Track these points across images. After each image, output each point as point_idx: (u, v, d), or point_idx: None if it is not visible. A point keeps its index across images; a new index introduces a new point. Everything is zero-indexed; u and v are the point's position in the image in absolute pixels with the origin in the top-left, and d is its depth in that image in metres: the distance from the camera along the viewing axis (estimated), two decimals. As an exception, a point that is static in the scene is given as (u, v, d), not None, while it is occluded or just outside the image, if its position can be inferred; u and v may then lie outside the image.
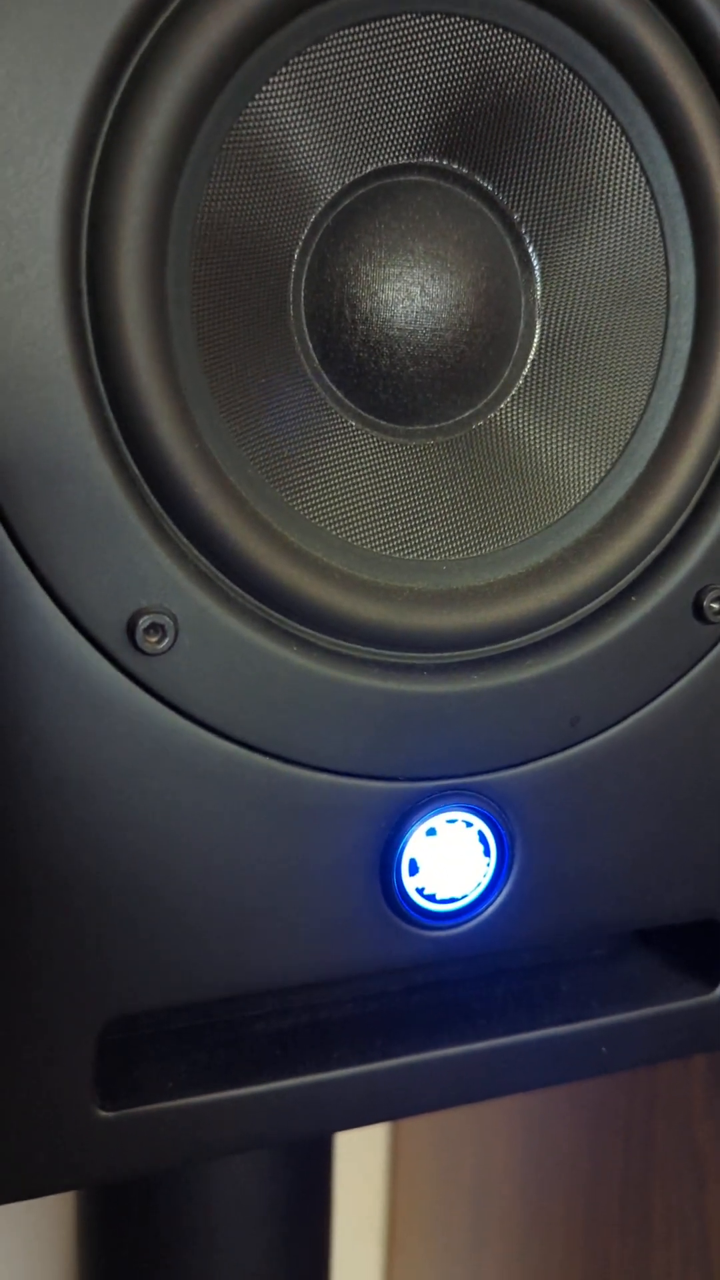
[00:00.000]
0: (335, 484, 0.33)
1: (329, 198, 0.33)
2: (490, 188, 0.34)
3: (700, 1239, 0.62)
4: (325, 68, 0.31)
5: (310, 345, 0.33)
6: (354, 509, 0.34)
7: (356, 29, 0.31)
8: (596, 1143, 0.68)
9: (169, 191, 0.29)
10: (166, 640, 0.30)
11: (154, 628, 0.30)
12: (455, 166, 0.34)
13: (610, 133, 0.34)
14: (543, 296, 0.35)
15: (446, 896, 0.35)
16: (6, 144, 0.27)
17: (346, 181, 0.33)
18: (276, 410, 0.33)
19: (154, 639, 0.30)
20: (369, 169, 0.33)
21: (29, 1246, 0.68)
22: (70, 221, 0.28)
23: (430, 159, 0.34)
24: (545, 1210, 0.72)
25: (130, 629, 0.30)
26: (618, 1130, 0.66)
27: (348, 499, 0.34)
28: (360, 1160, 0.80)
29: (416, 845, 0.35)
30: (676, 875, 0.38)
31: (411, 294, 0.33)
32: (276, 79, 0.30)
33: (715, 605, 0.36)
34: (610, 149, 0.34)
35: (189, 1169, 0.44)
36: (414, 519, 0.34)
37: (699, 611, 0.36)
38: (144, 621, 0.30)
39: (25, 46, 0.27)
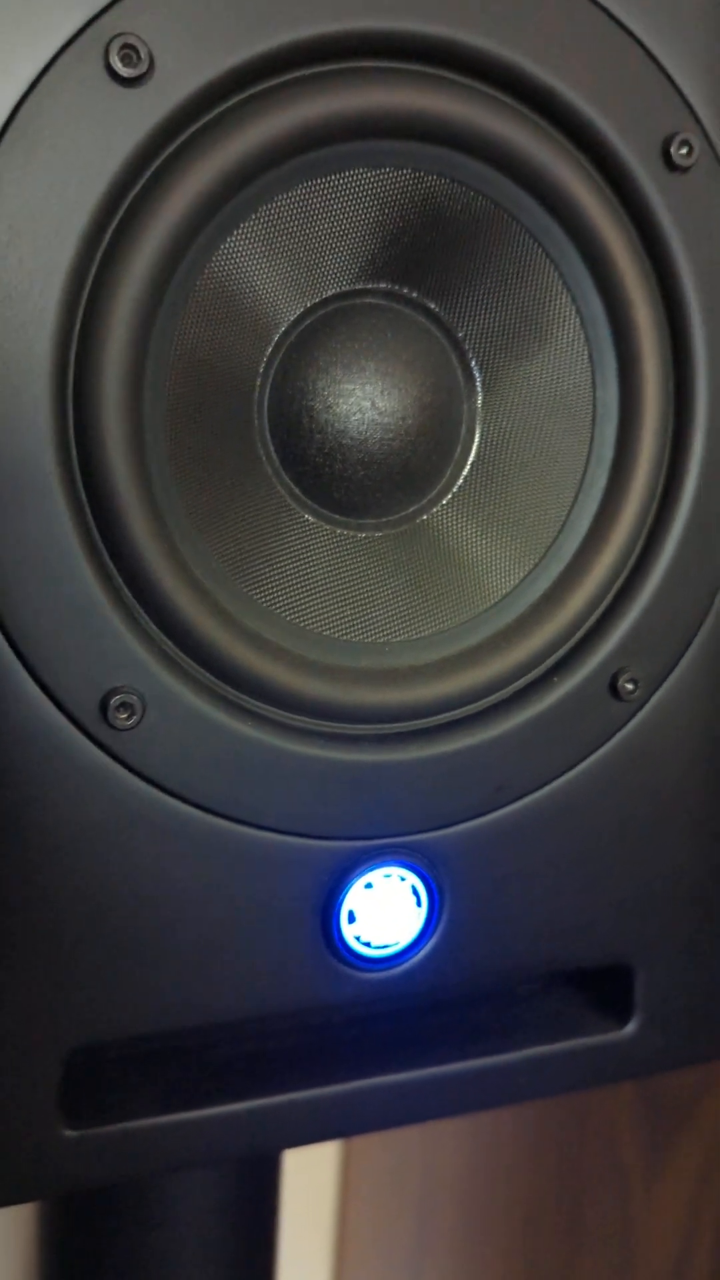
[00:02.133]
0: (291, 574, 0.37)
1: (291, 319, 0.37)
2: (437, 309, 0.38)
3: (627, 1249, 0.66)
4: (290, 212, 0.35)
5: (272, 449, 0.37)
6: (307, 596, 0.38)
7: (318, 179, 0.35)
8: (534, 1159, 0.72)
9: (147, 326, 0.33)
10: (135, 717, 0.34)
11: (124, 706, 0.34)
12: (406, 291, 0.38)
13: (545, 268, 0.38)
14: (483, 406, 0.39)
15: (382, 943, 0.39)
16: (7, 289, 0.31)
17: (307, 304, 0.37)
18: (240, 508, 0.37)
19: (124, 716, 0.34)
20: (328, 293, 0.37)
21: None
22: (59, 354, 0.32)
23: (383, 284, 0.38)
24: (486, 1221, 0.76)
25: (103, 706, 0.34)
26: (553, 1148, 0.70)
27: (301, 587, 0.38)
28: (310, 1171, 0.84)
29: (355, 897, 0.38)
30: (592, 925, 0.42)
31: (363, 408, 0.37)
32: (245, 225, 0.34)
33: (629, 686, 0.40)
34: (545, 281, 0.38)
35: (139, 1182, 0.48)
36: (361, 604, 0.38)
37: (614, 691, 0.40)
38: (115, 700, 0.34)
39: (25, 206, 0.31)
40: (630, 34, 0.37)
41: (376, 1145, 0.84)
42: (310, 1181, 0.84)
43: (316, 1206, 0.85)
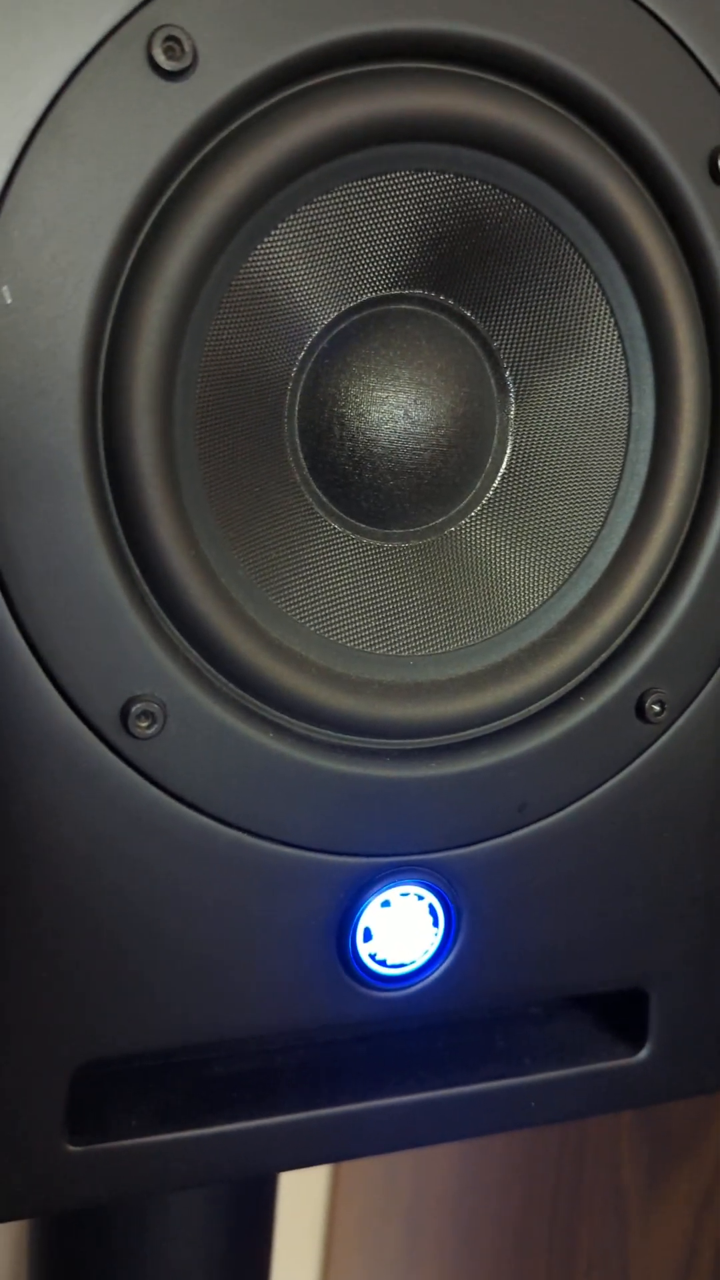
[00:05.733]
0: (316, 584, 0.37)
1: (324, 324, 0.36)
2: (473, 318, 0.38)
3: (621, 1274, 0.65)
4: (329, 215, 0.34)
5: (301, 456, 0.36)
6: (332, 606, 0.37)
7: (359, 182, 0.34)
8: (529, 1179, 0.71)
9: (180, 327, 0.32)
10: (156, 726, 0.33)
11: (145, 714, 0.33)
12: (442, 298, 0.37)
13: (584, 278, 0.37)
14: (516, 418, 0.39)
15: (397, 962, 0.38)
16: (39, 285, 0.30)
17: (342, 309, 0.36)
18: (268, 516, 0.36)
19: (144, 724, 0.33)
20: (363, 298, 0.36)
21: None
22: (90, 353, 0.31)
23: (419, 290, 0.37)
24: (477, 1239, 0.75)
25: (124, 714, 0.33)
26: (549, 1168, 0.69)
27: (327, 597, 0.37)
28: (301, 1183, 0.83)
29: (371, 915, 0.38)
30: (608, 948, 0.41)
31: (395, 416, 0.36)
32: (283, 225, 0.34)
33: (656, 707, 0.39)
34: (584, 292, 0.37)
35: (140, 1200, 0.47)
36: (386, 617, 0.38)
37: (641, 712, 0.39)
38: (136, 708, 0.33)
39: (60, 200, 0.30)
40: (681, 43, 0.36)
41: (367, 1161, 0.83)
42: (300, 1192, 0.83)
43: (306, 1218, 0.84)
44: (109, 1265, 0.49)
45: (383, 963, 0.38)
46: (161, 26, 0.31)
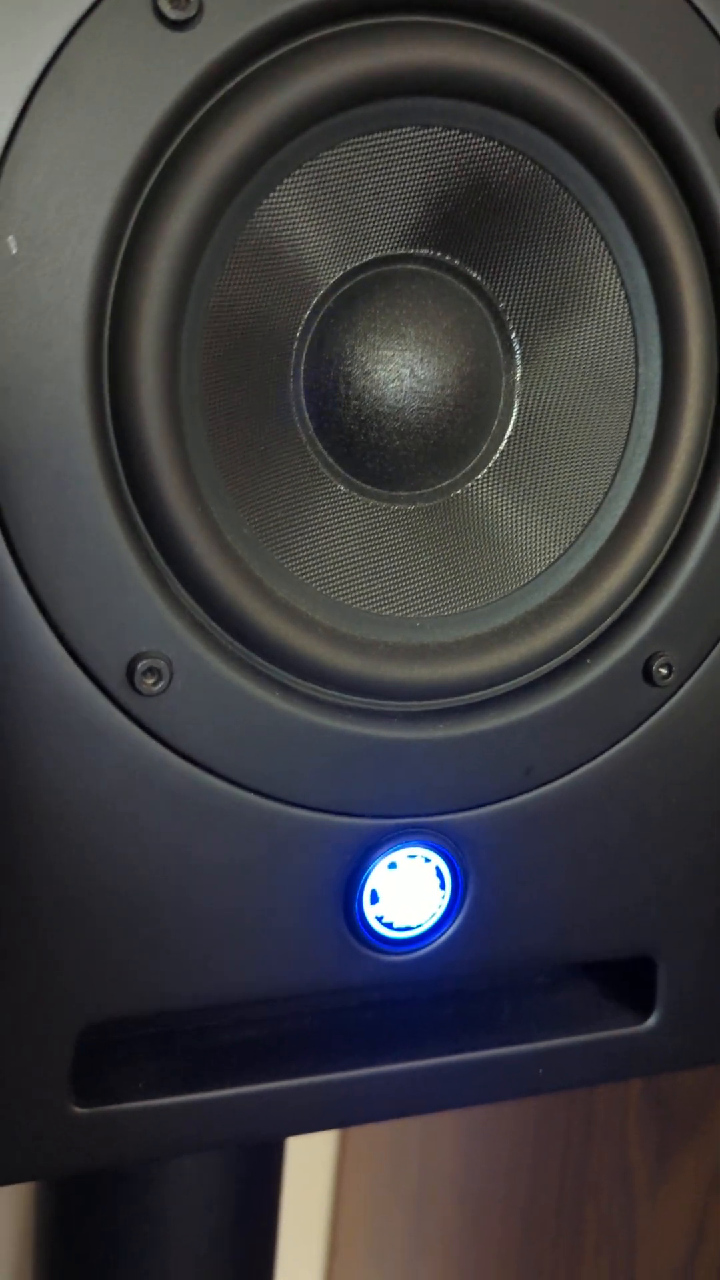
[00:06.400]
0: (322, 544, 0.37)
1: (330, 283, 0.36)
2: (479, 278, 0.38)
3: (628, 1254, 0.65)
4: (334, 171, 0.34)
5: (307, 416, 0.36)
6: (338, 567, 0.37)
7: (364, 138, 0.34)
8: (536, 1158, 0.71)
9: (186, 281, 0.32)
10: (162, 683, 0.33)
11: (151, 671, 0.33)
12: (448, 258, 0.37)
13: (590, 237, 0.37)
14: (522, 379, 0.38)
15: (404, 925, 0.38)
16: (44, 236, 0.30)
17: (347, 268, 0.36)
18: (273, 475, 0.36)
19: (150, 681, 0.33)
20: (368, 257, 0.36)
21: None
22: (95, 306, 0.31)
23: (425, 250, 0.37)
24: (483, 1219, 0.75)
25: (129, 671, 0.33)
26: (556, 1148, 0.69)
27: (333, 558, 0.37)
28: (306, 1163, 0.83)
29: (378, 877, 0.38)
30: (616, 914, 0.41)
31: (401, 375, 0.36)
32: (289, 180, 0.34)
33: (663, 670, 0.39)
34: (589, 251, 0.37)
35: (146, 1164, 0.47)
36: (392, 578, 0.38)
37: (648, 675, 0.39)
38: (142, 665, 0.33)
39: (65, 151, 0.30)
40: (690, 2, 0.36)
41: (373, 1140, 0.83)
42: (305, 1175, 0.83)
43: (311, 1201, 0.84)
44: (115, 1239, 0.49)
45: (389, 925, 0.38)
46: (167, -24, 0.31)
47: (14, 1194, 0.70)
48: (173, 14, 0.30)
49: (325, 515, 0.37)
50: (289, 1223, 0.78)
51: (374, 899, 0.38)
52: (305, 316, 0.36)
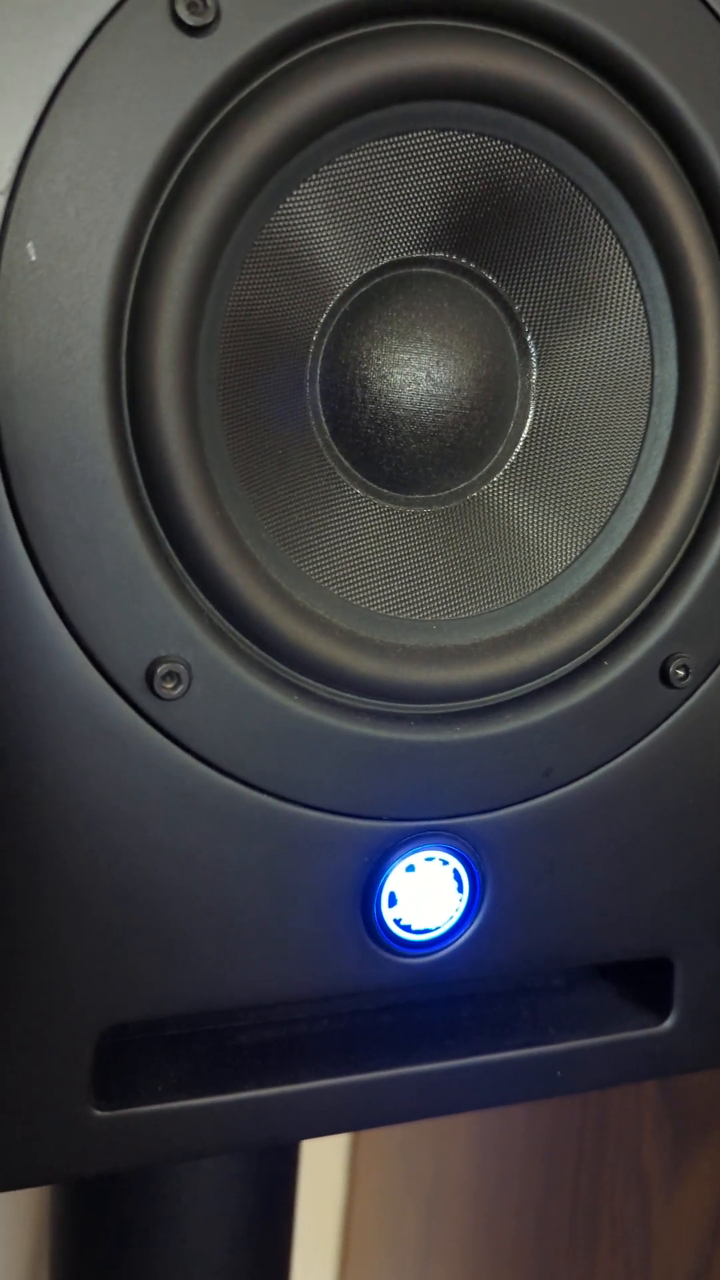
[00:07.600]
0: (339, 547, 0.37)
1: (347, 286, 0.36)
2: (495, 281, 0.38)
3: (643, 1256, 0.65)
4: (351, 175, 0.34)
5: (324, 420, 0.36)
6: (355, 570, 0.37)
7: (382, 141, 0.34)
8: (550, 1160, 0.71)
9: (204, 285, 0.32)
10: (181, 687, 0.33)
11: (170, 675, 0.33)
12: (464, 261, 0.37)
13: (606, 239, 0.37)
14: (538, 382, 0.38)
15: (422, 927, 0.38)
16: (63, 241, 0.30)
17: (364, 271, 0.36)
18: (290, 478, 0.36)
19: (169, 685, 0.33)
20: (385, 260, 0.36)
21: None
22: (114, 310, 0.31)
23: (441, 253, 0.37)
24: (497, 1221, 0.75)
25: (149, 675, 0.33)
26: (570, 1149, 0.69)
27: (350, 561, 0.37)
28: (320, 1165, 0.83)
29: (396, 879, 0.38)
30: (633, 916, 0.41)
31: (418, 378, 0.36)
32: (305, 185, 0.34)
33: (680, 672, 0.39)
34: (605, 253, 0.37)
35: (162, 1167, 0.47)
36: (409, 581, 0.38)
37: (665, 677, 0.39)
38: (161, 669, 0.33)
39: (83, 156, 0.30)
40: (706, 4, 0.36)
41: (387, 1141, 0.83)
42: (319, 1176, 0.83)
43: (325, 1202, 0.84)
44: (129, 1240, 0.49)
45: (407, 928, 0.38)
46: (184, -18, 0.31)
47: (29, 1195, 0.71)
48: (190, 20, 0.30)
49: (342, 518, 0.37)
50: (303, 1224, 0.78)
51: (392, 901, 0.38)
52: (322, 319, 0.36)
